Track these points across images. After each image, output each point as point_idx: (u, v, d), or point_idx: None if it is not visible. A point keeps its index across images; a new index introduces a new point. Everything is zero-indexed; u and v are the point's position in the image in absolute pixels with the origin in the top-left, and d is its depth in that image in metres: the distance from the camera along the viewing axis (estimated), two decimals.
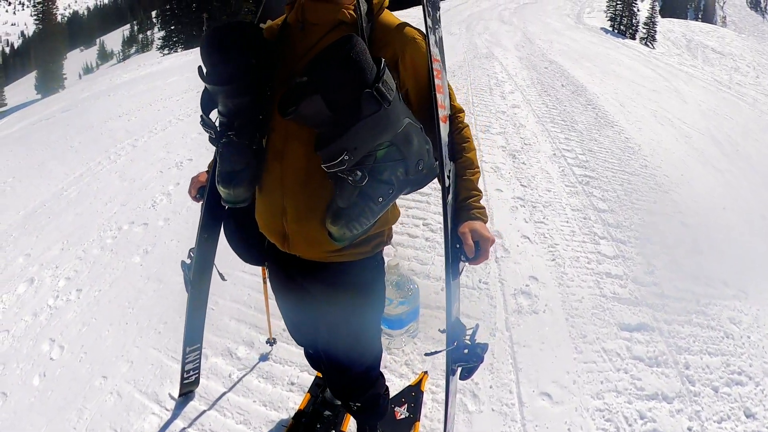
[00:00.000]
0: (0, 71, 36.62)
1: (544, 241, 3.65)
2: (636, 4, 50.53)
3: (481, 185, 1.74)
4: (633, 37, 44.51)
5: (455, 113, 1.45)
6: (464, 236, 1.28)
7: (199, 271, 1.65)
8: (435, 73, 1.30)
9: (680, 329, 2.81)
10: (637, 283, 3.22)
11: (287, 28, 1.36)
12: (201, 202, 1.69)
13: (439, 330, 1.46)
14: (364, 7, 1.29)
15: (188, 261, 1.68)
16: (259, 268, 2.29)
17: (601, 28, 38.92)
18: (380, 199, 1.18)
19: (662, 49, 36.93)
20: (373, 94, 1.08)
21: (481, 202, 1.37)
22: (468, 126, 1.47)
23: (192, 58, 15.84)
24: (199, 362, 2.22)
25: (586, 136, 6.35)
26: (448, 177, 1.35)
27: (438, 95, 1.30)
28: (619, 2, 50.08)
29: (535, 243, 3.63)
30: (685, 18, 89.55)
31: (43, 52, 41.77)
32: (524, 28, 22.47)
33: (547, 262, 3.38)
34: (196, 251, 1.65)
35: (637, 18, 49.19)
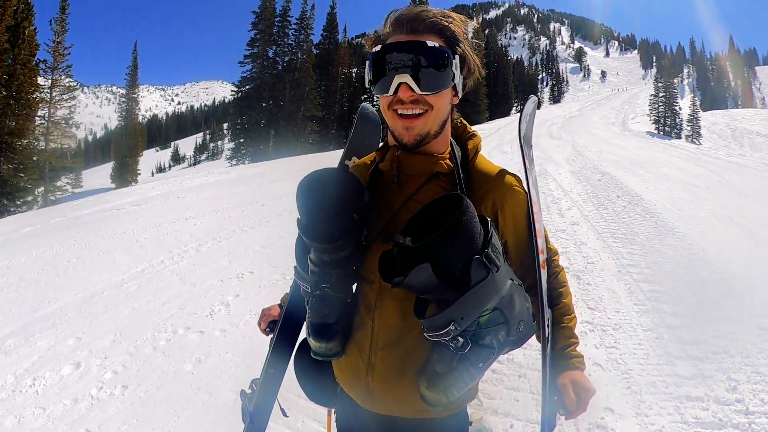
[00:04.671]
0: (81, 156, 39.85)
1: (618, 368, 3.45)
2: (677, 103, 51.57)
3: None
4: (678, 136, 45.22)
5: (551, 256, 1.38)
6: (565, 389, 1.20)
7: (260, 404, 1.54)
8: (534, 216, 1.25)
9: None
10: (719, 403, 3.02)
11: (380, 176, 1.33)
12: (270, 336, 1.61)
13: None
14: (459, 154, 1.27)
15: (249, 391, 1.58)
16: None
17: (647, 132, 39.66)
18: (480, 365, 1.08)
19: (709, 143, 37.27)
20: (483, 260, 1.00)
21: (578, 349, 1.29)
22: (563, 269, 1.40)
23: (259, 171, 16.81)
24: None
25: (648, 248, 6.16)
26: (548, 326, 1.26)
27: (538, 240, 1.25)
28: (660, 104, 51.36)
29: (608, 370, 3.42)
30: (726, 107, 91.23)
31: (122, 146, 45.44)
32: (573, 141, 22.81)
33: (622, 391, 3.17)
34: (260, 384, 1.55)
35: (680, 116, 50.01)
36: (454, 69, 1.16)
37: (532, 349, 3.57)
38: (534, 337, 1.23)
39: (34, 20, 26.11)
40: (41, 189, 26.09)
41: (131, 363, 3.67)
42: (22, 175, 24.11)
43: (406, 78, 1.13)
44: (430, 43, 1.14)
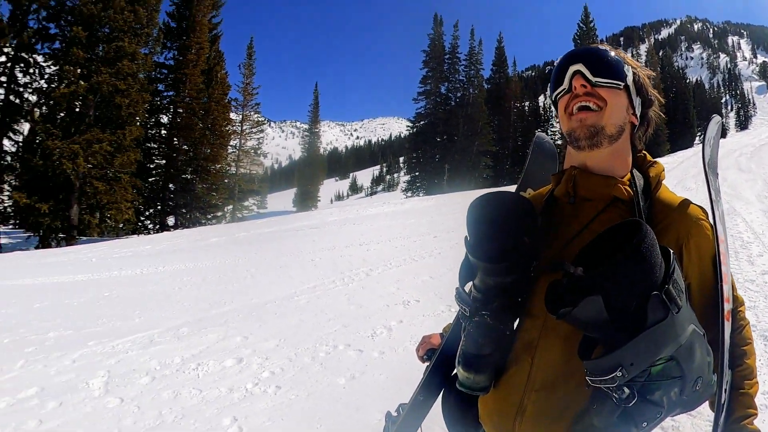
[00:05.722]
0: (267, 181, 45.41)
1: None
2: None
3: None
4: None
5: (737, 306, 1.13)
6: None
7: (402, 429, 1.48)
8: (721, 257, 1.05)
9: None
10: None
11: (554, 202, 1.24)
12: (426, 364, 1.54)
13: None
14: (640, 182, 1.15)
15: (395, 414, 1.52)
16: None
17: None
18: (645, 424, 0.91)
19: None
20: (662, 297, 0.86)
21: (755, 422, 1.07)
22: (749, 323, 1.17)
23: (432, 204, 17.08)
24: None
25: None
26: (726, 390, 1.04)
27: (724, 286, 1.05)
28: None
29: None
30: None
31: (304, 174, 50.70)
32: (765, 174, 19.17)
33: None
34: (407, 409, 1.49)
35: None
36: (626, 71, 1.13)
37: (702, 419, 2.96)
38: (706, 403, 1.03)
39: (225, 65, 31.57)
40: (230, 207, 31.05)
41: (289, 367, 3.86)
42: (214, 193, 29.07)
43: (580, 66, 1.11)
44: (602, 47, 1.15)
